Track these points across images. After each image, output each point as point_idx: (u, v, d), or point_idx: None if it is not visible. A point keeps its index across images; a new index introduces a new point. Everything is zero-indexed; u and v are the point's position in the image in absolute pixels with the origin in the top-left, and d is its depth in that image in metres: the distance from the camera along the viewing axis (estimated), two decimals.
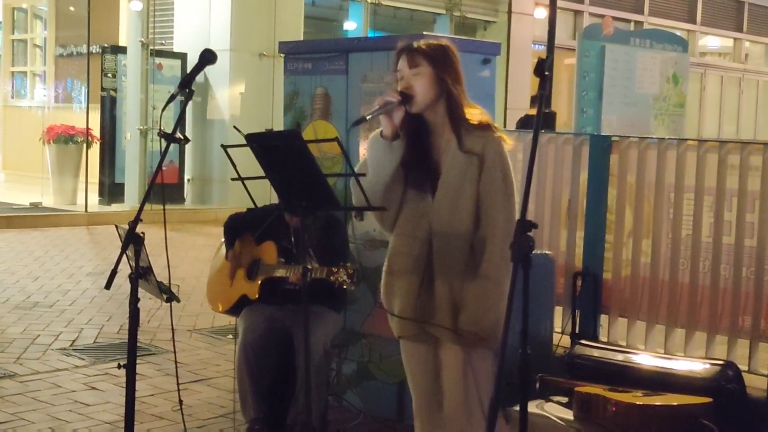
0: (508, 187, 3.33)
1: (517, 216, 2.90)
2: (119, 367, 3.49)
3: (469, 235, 3.34)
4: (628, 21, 20.34)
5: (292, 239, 4.75)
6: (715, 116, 22.03)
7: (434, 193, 3.39)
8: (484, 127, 3.37)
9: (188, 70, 3.48)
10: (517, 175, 3.44)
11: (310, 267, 3.52)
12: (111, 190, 14.79)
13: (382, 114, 3.34)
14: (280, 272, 4.63)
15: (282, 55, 5.64)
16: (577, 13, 19.71)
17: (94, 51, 14.92)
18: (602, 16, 15.26)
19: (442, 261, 3.37)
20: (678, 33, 15.83)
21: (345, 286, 4.15)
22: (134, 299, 3.40)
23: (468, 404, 3.40)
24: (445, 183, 3.37)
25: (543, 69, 2.91)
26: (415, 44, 3.41)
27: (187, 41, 15.09)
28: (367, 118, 3.34)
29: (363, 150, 4.97)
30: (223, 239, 5.04)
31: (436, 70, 3.36)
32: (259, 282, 4.74)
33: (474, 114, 3.40)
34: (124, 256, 3.43)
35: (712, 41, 23.75)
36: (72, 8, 17.56)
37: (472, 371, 3.39)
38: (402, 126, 3.38)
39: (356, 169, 3.48)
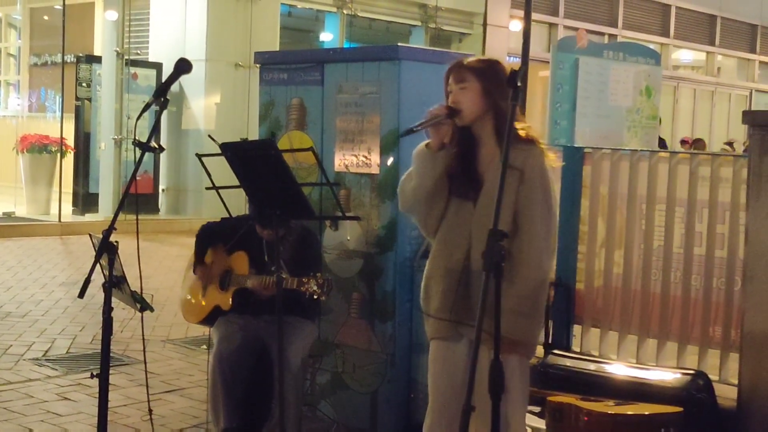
0: (547, 200, 3.46)
1: (556, 229, 3.05)
2: (92, 376, 3.48)
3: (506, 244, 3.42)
4: (602, 34, 20.49)
5: (265, 249, 4.76)
6: (687, 129, 22.22)
7: (476, 202, 3.51)
8: (527, 142, 3.49)
9: (163, 80, 3.48)
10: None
11: (285, 276, 3.53)
12: (85, 200, 14.72)
13: (430, 126, 3.47)
14: (252, 282, 4.63)
15: (258, 65, 5.65)
16: (552, 26, 19.84)
17: (68, 60, 14.87)
18: (576, 29, 15.38)
19: (478, 267, 3.39)
20: (651, 46, 15.94)
21: (316, 296, 4.16)
22: (108, 308, 3.39)
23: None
24: (486, 192, 3.48)
25: (516, 79, 2.96)
26: (465, 61, 3.55)
27: (163, 51, 15.06)
28: (415, 129, 3.46)
29: (338, 160, 4.98)
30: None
31: (483, 85, 3.48)
32: (232, 292, 4.74)
33: (519, 129, 3.49)
34: (98, 265, 3.43)
35: (685, 55, 23.97)
36: (46, 17, 17.51)
37: (512, 377, 3.39)
38: (451, 138, 3.52)
39: (402, 179, 3.62)
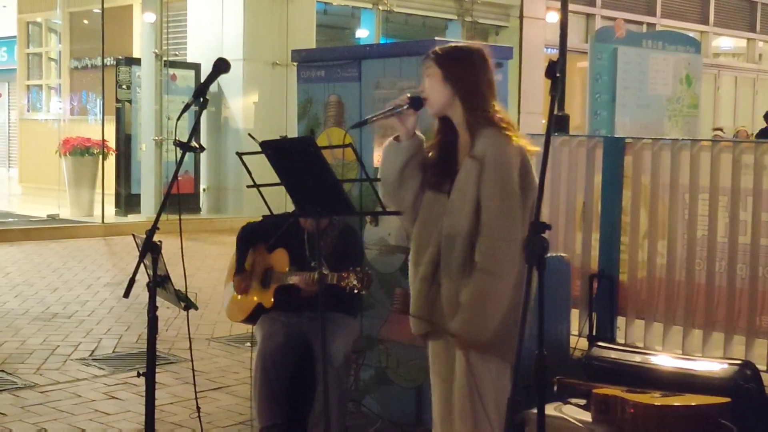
0: (506, 188, 3.25)
1: (531, 219, 2.89)
2: (139, 375, 3.51)
3: (468, 238, 3.29)
4: (640, 23, 20.31)
5: (306, 246, 4.77)
6: (729, 117, 21.95)
7: (450, 194, 3.39)
8: (492, 127, 3.33)
9: (202, 80, 3.50)
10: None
11: (326, 272, 3.53)
12: (127, 201, 14.86)
13: (391, 117, 3.40)
14: (293, 279, 4.65)
15: (295, 63, 5.67)
16: (589, 17, 19.69)
17: (108, 63, 15.02)
18: (614, 19, 15.26)
19: (445, 262, 3.37)
20: (691, 34, 15.79)
21: (356, 291, 4.15)
22: (153, 307, 3.42)
23: (473, 413, 3.36)
24: (455, 185, 3.36)
25: (554, 71, 2.92)
26: (433, 49, 3.46)
27: (201, 51, 15.16)
28: (369, 121, 3.40)
29: (377, 156, 4.99)
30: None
31: (443, 71, 3.38)
32: (273, 290, 4.76)
33: (489, 114, 3.38)
34: (142, 265, 3.46)
35: (725, 42, 23.68)
36: (86, 21, 17.68)
37: (474, 378, 3.33)
38: (436, 131, 3.46)
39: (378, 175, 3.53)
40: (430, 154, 3.49)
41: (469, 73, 3.41)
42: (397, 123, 3.42)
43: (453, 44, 3.54)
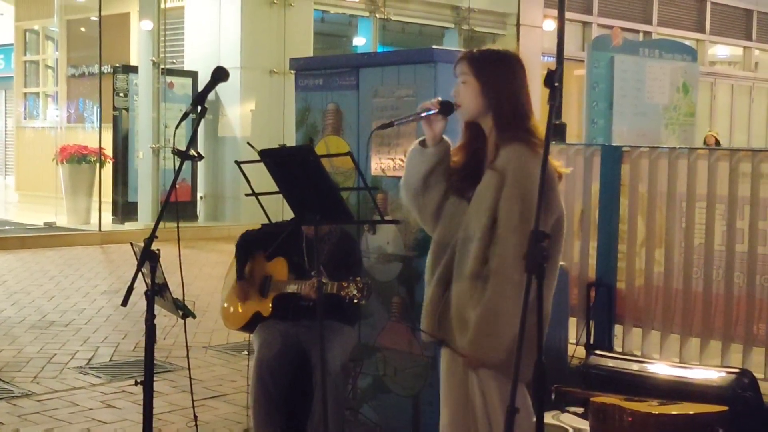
0: (525, 206, 3.08)
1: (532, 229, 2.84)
2: (136, 383, 3.50)
3: (482, 249, 3.18)
4: (636, 31, 20.37)
5: (305, 254, 4.77)
6: (726, 125, 22.00)
7: (470, 201, 3.27)
8: (519, 142, 3.19)
9: (199, 88, 3.50)
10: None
11: (325, 281, 3.53)
12: (124, 209, 14.87)
13: (414, 122, 3.31)
14: (292, 287, 4.64)
15: (292, 71, 5.67)
16: (586, 25, 19.73)
17: (105, 71, 15.03)
18: (611, 27, 15.29)
19: (457, 271, 3.28)
20: (687, 42, 15.83)
21: (356, 301, 4.13)
22: (150, 316, 3.41)
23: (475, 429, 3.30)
24: (476, 193, 3.24)
25: (553, 80, 2.91)
26: (470, 52, 3.31)
27: (198, 59, 15.19)
28: (395, 124, 3.28)
29: (374, 164, 4.99)
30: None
31: (482, 84, 3.24)
32: (271, 298, 4.76)
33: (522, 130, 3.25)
34: (140, 273, 3.45)
35: (722, 50, 23.74)
36: (83, 29, 17.71)
37: (485, 398, 3.24)
38: (463, 134, 3.33)
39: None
40: (455, 158, 3.37)
41: (510, 83, 3.27)
42: (424, 126, 3.29)
43: (491, 48, 3.38)
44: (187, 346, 4.00)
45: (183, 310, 3.80)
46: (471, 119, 3.30)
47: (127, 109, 15.06)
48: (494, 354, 3.13)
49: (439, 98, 3.30)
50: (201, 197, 15.37)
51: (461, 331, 3.24)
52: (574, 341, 5.80)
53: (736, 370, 4.73)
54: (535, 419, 2.85)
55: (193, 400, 4.17)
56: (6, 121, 26.35)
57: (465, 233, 3.25)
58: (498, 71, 3.26)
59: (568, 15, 14.38)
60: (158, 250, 3.44)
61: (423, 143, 3.33)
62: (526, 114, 3.27)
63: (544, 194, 2.87)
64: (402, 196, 3.46)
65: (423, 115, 3.26)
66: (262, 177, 3.68)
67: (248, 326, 4.91)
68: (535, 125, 3.27)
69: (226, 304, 5.08)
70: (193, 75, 15.11)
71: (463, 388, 3.33)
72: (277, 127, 14.67)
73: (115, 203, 14.93)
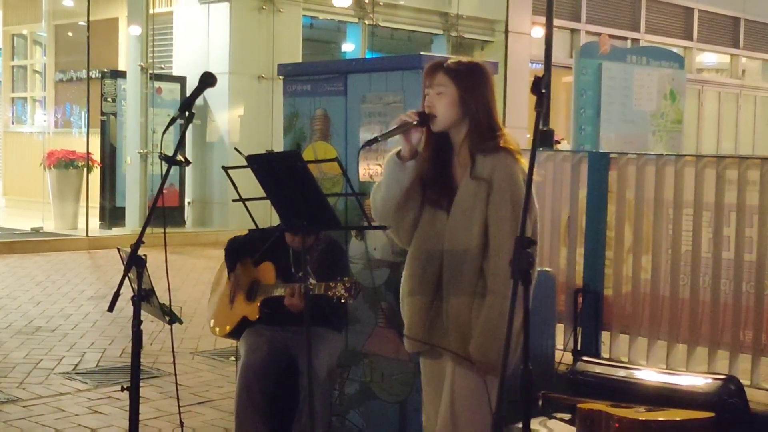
0: (516, 210, 3.17)
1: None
2: (123, 389, 3.49)
3: (478, 258, 3.27)
4: (624, 39, 20.43)
5: (291, 260, 4.77)
6: (713, 132, 22.08)
7: (449, 212, 3.33)
8: (498, 150, 3.27)
9: (187, 94, 3.50)
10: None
11: (311, 285, 3.53)
12: (112, 214, 14.81)
13: (399, 134, 3.30)
14: (279, 291, 4.64)
15: (281, 77, 5.67)
16: (574, 32, 19.79)
17: (93, 76, 14.99)
18: (599, 35, 15.33)
19: (451, 281, 3.33)
20: (675, 50, 15.88)
21: (343, 300, 4.13)
22: (137, 321, 3.41)
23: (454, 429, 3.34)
24: (458, 203, 3.31)
25: (540, 87, 2.92)
26: (444, 63, 3.35)
27: (186, 65, 15.15)
28: (380, 138, 3.29)
29: (362, 170, 4.99)
30: (224, 261, 5.06)
31: (460, 92, 3.29)
32: (259, 303, 4.75)
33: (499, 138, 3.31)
34: (127, 278, 3.44)
35: (709, 58, 23.84)
36: (71, 34, 17.65)
37: (473, 396, 3.31)
38: (426, 145, 3.35)
39: (373, 188, 3.48)
40: (421, 169, 3.39)
41: (485, 93, 3.33)
42: (402, 139, 3.31)
43: (464, 60, 3.41)
44: (173, 351, 4.00)
45: (170, 316, 3.79)
46: (444, 129, 3.34)
47: (115, 115, 15.01)
48: (500, 356, 3.13)
49: (416, 110, 3.34)
50: (189, 202, 15.34)
51: (460, 336, 3.29)
52: (561, 347, 5.81)
53: (723, 377, 4.75)
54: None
55: (179, 406, 4.15)
56: None
57: (452, 245, 3.30)
58: (475, 81, 3.33)
59: (556, 22, 14.42)
60: (145, 255, 3.43)
61: (399, 155, 3.35)
62: (498, 123, 3.35)
63: (530, 201, 2.90)
64: (378, 206, 3.44)
65: (410, 128, 3.28)
66: (249, 183, 3.67)
67: (235, 332, 4.90)
68: (507, 133, 3.34)
69: (213, 310, 5.07)
70: (182, 80, 15.08)
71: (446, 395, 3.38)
72: (266, 132, 14.66)
73: (102, 208, 14.88)
